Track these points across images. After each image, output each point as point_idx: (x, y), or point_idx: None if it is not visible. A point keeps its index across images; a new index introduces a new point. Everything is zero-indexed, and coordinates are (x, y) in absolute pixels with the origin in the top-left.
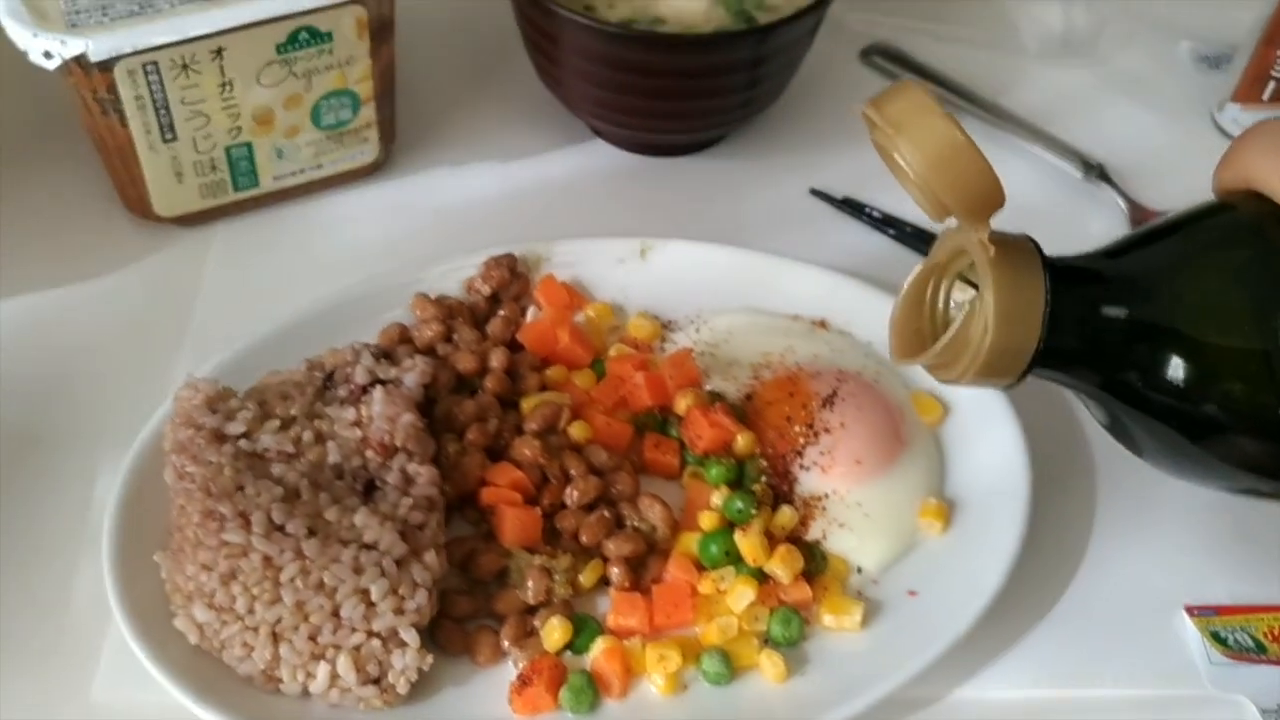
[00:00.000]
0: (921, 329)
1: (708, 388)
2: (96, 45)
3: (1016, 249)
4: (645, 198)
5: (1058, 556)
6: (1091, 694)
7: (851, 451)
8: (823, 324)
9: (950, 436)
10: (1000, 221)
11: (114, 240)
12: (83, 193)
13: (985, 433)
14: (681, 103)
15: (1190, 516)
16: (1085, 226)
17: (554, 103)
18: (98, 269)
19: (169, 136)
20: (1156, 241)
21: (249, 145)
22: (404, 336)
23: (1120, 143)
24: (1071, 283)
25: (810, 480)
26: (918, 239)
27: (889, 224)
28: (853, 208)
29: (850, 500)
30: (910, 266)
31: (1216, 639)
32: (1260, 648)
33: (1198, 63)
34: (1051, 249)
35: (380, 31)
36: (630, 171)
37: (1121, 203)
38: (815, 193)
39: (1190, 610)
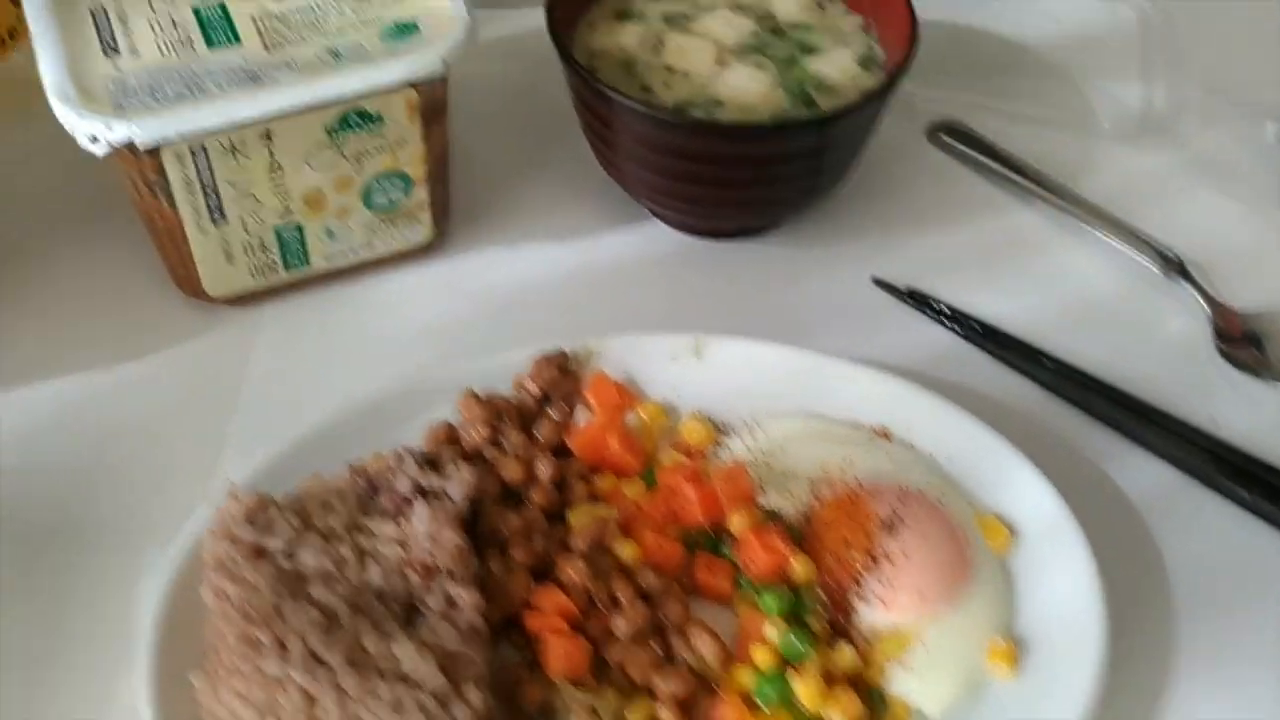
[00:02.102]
0: None
1: (762, 503)
2: (143, 131)
3: None
4: (701, 284)
5: (1135, 701)
6: None
7: (914, 583)
8: (884, 433)
9: (1018, 565)
10: (1072, 316)
11: (165, 320)
12: (134, 270)
13: (1055, 561)
14: (740, 190)
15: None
16: (1164, 326)
17: (612, 182)
18: (147, 349)
19: (218, 218)
20: None
21: (299, 226)
22: (451, 436)
23: (1201, 234)
24: None
25: (870, 613)
26: (987, 338)
27: (956, 320)
28: (918, 300)
29: (913, 637)
30: (980, 368)
31: None
32: None
33: None
34: (1126, 352)
35: (433, 113)
36: (687, 255)
37: (1202, 302)
38: (878, 282)
39: None
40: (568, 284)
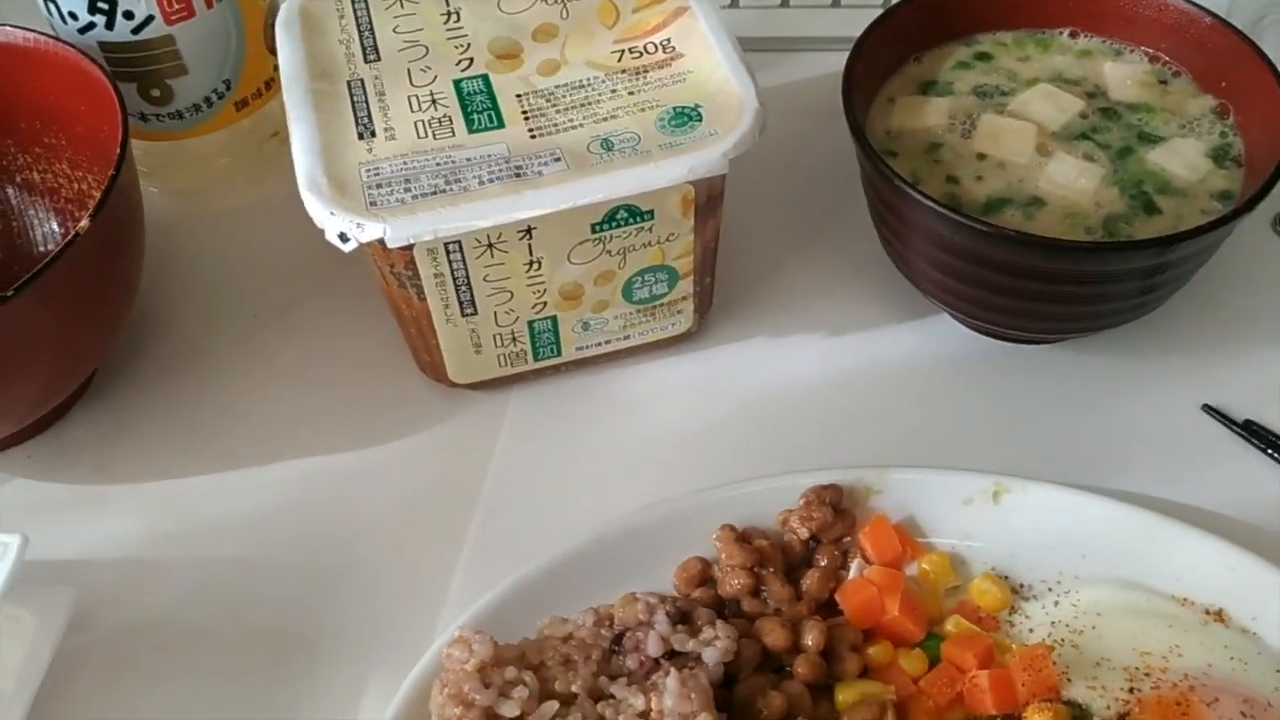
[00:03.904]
0: None
1: (1067, 697)
2: (395, 232)
3: None
4: (1000, 398)
5: None
6: None
7: None
8: (1219, 615)
9: None
10: None
11: (407, 404)
12: (375, 349)
13: None
14: (1054, 306)
15: None
16: None
17: (894, 271)
18: (386, 435)
19: (469, 311)
20: None
21: (553, 319)
22: (704, 575)
23: None
24: None
25: None
26: None
27: None
28: (1258, 435)
29: None
30: None
31: None
32: None
33: None
34: None
35: (708, 206)
36: (985, 360)
37: None
38: (1209, 410)
39: None
40: (841, 388)
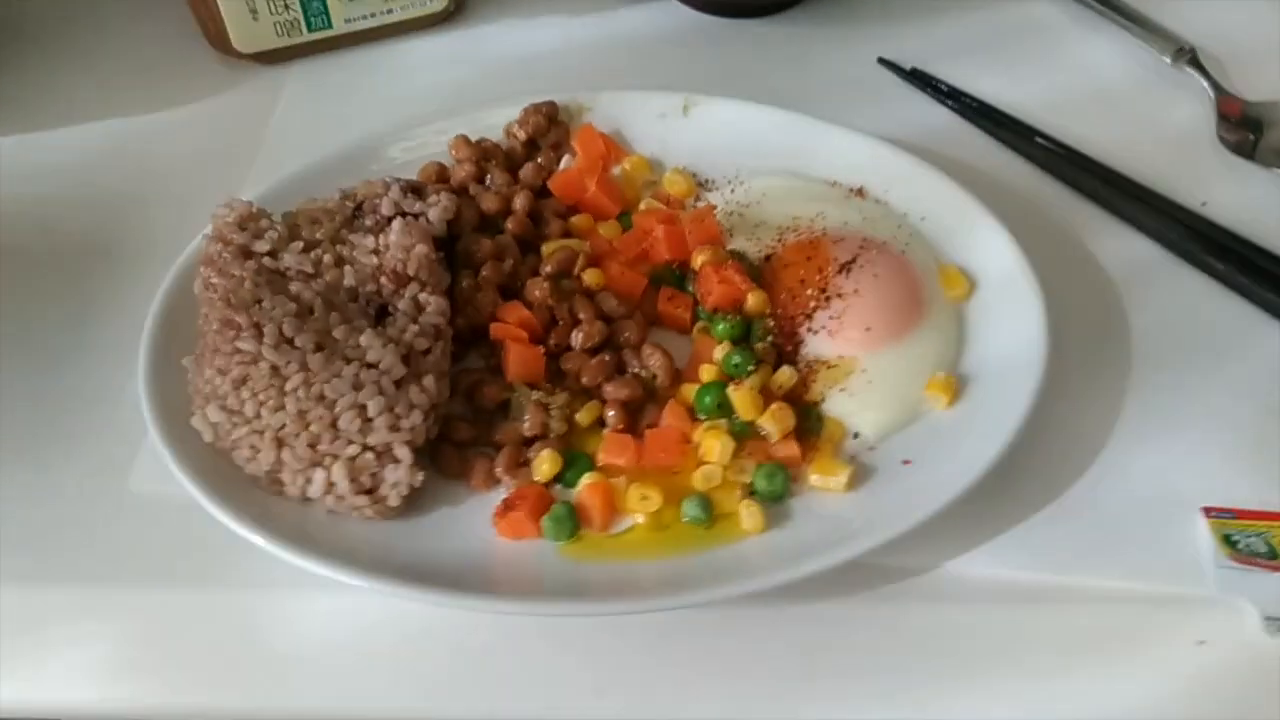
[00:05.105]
0: None
1: (730, 247)
2: None
3: None
4: (712, 60)
5: (1074, 444)
6: (1087, 583)
7: (861, 318)
8: (859, 191)
9: (973, 313)
10: (1078, 103)
11: (199, 75)
12: (174, 28)
13: (1010, 312)
14: None
15: (1225, 418)
16: (1168, 116)
17: None
18: (180, 99)
19: None
20: None
21: None
22: (441, 175)
23: (1216, 26)
24: None
25: (817, 344)
26: (982, 114)
27: (954, 98)
28: (920, 79)
29: (855, 366)
30: (974, 144)
31: (1228, 542)
32: (1273, 554)
33: None
34: (1128, 139)
35: None
36: (702, 33)
37: (1208, 88)
38: (883, 62)
39: (1208, 511)
40: (580, 55)
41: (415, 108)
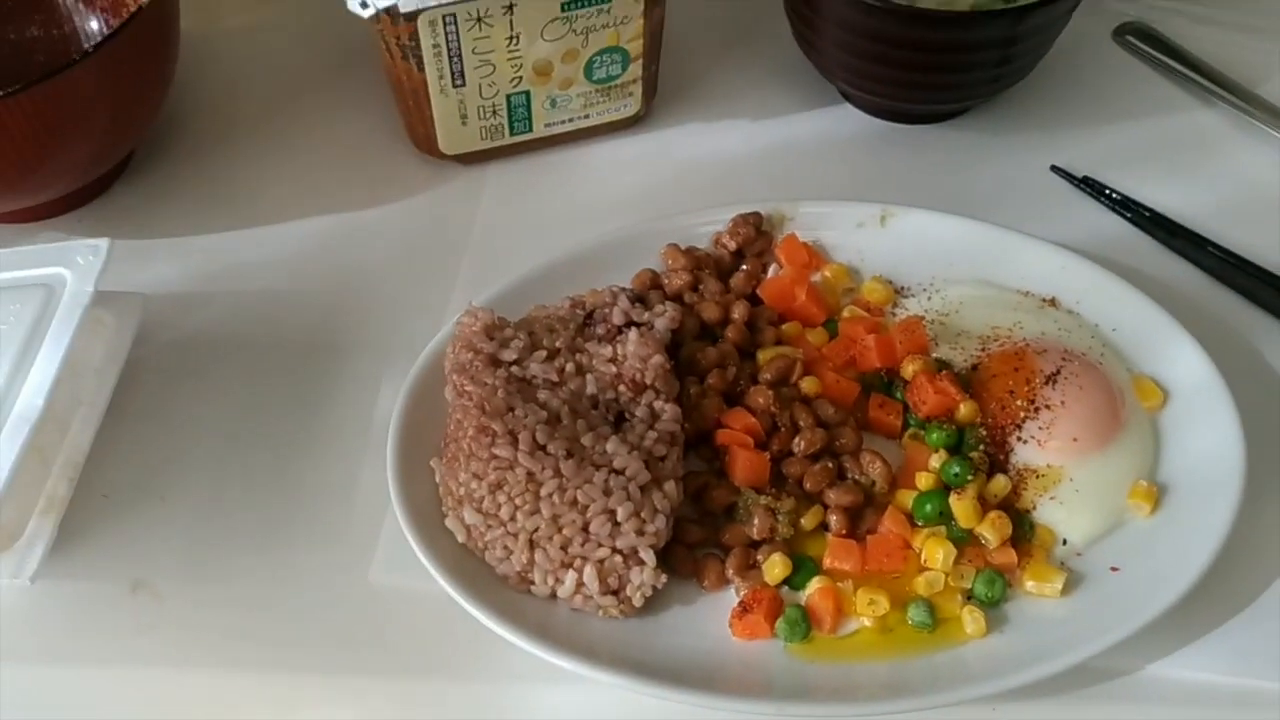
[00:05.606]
0: None
1: (935, 355)
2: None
3: None
4: (888, 164)
5: (1270, 546)
6: None
7: (1069, 429)
8: (1052, 301)
9: (1168, 423)
10: (1243, 211)
11: (402, 173)
12: (375, 129)
13: (1204, 422)
14: (932, 75)
15: None
16: None
17: (807, 66)
18: (387, 198)
19: (459, 82)
20: None
21: (527, 94)
22: (654, 283)
23: None
24: None
25: (1026, 452)
26: (1156, 225)
27: (1127, 206)
28: (1092, 188)
29: (1063, 475)
30: (1148, 252)
31: None
32: None
33: None
34: None
35: None
36: (876, 137)
37: None
38: (1056, 170)
39: None
40: (762, 159)
41: (611, 208)
